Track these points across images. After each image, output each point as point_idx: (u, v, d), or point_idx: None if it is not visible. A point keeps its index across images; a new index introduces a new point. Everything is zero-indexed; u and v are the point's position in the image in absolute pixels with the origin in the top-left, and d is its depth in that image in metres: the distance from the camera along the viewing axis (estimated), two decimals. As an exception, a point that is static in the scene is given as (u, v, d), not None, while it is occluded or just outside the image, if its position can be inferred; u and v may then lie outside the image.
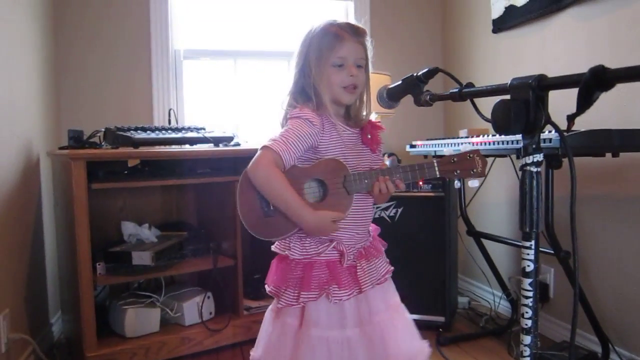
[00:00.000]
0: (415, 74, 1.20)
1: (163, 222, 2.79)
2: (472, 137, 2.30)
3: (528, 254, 0.85)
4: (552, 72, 2.34)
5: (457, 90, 1.01)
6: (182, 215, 2.89)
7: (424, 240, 2.65)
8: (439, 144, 2.49)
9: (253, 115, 3.22)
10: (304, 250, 1.41)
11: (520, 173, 0.85)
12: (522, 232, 0.85)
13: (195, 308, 2.47)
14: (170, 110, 2.85)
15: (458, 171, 1.32)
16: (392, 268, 1.50)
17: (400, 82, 1.26)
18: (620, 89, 1.55)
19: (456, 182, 1.35)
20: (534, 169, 0.83)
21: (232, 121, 3.17)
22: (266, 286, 1.45)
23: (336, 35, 1.39)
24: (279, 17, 3.25)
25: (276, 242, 1.49)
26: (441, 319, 2.65)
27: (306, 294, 1.36)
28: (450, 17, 3.40)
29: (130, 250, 2.27)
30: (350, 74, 1.38)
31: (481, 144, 2.21)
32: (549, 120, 0.81)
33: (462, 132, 2.63)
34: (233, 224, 2.50)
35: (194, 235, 2.67)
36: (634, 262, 2.13)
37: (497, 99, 0.95)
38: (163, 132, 2.44)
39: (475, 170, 1.31)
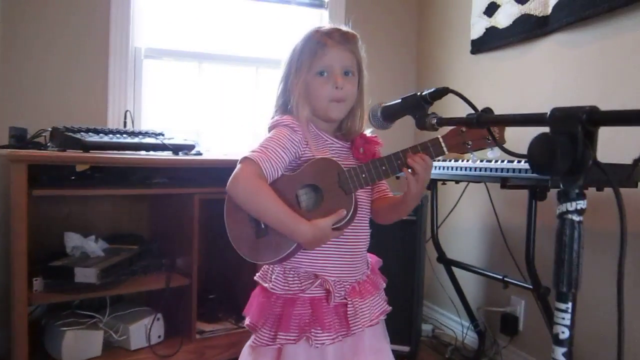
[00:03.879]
0: (419, 94, 1.05)
1: (112, 233, 2.55)
2: (446, 159, 2.18)
3: (563, 318, 0.71)
4: (534, 99, 2.22)
5: (474, 115, 0.87)
6: (134, 226, 2.66)
7: (391, 266, 2.51)
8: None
9: (217, 122, 3.03)
10: (287, 285, 1.27)
11: (558, 221, 0.71)
12: (556, 292, 0.72)
13: (142, 331, 2.25)
14: (126, 112, 2.62)
15: (470, 142, 1.13)
16: (389, 308, 1.36)
17: (399, 100, 1.11)
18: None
19: (472, 156, 1.14)
20: (576, 218, 0.69)
21: (193, 127, 2.96)
22: (246, 319, 1.33)
23: (318, 42, 1.27)
24: (249, 22, 3.08)
25: (259, 272, 1.36)
26: (406, 348, 2.52)
27: (284, 335, 1.22)
28: (427, 32, 3.31)
29: (72, 266, 2.04)
30: (336, 85, 1.25)
31: (456, 169, 2.11)
32: (596, 161, 0.67)
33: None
34: (189, 239, 2.31)
35: (146, 250, 2.46)
36: (609, 298, 2.05)
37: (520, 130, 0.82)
38: (117, 135, 2.23)
39: (490, 138, 1.11)
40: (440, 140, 1.16)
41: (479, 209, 2.72)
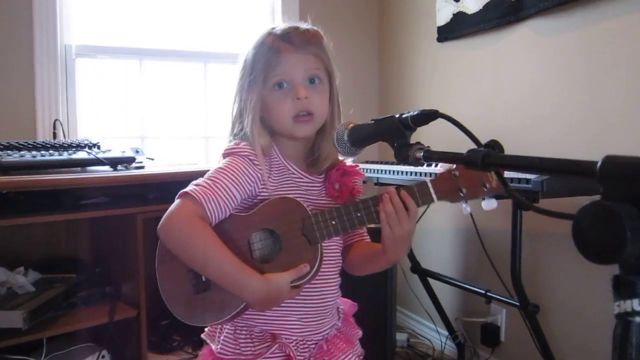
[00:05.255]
0: (398, 117, 0.82)
1: (47, 259, 2.25)
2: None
3: None
4: (509, 92, 2.02)
5: (478, 153, 0.64)
6: (72, 249, 2.35)
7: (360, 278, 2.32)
8: (382, 170, 2.14)
9: (163, 126, 2.73)
10: (238, 349, 1.04)
11: (618, 324, 0.49)
12: None
13: (86, 372, 1.98)
14: (55, 121, 2.30)
15: (464, 190, 0.93)
16: None
17: (371, 122, 0.88)
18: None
19: (464, 206, 0.94)
20: (645, 322, 0.48)
21: (137, 134, 2.67)
22: None
23: (271, 48, 1.03)
24: (194, 12, 2.77)
25: (207, 328, 1.13)
26: (381, 364, 2.33)
27: None
28: (389, 18, 3.06)
29: (-6, 309, 1.75)
30: (297, 96, 1.01)
31: (428, 175, 1.90)
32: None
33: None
34: (134, 263, 2.03)
35: (87, 278, 2.17)
36: (597, 307, 1.88)
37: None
38: (43, 152, 1.93)
39: (489, 185, 0.92)
40: (429, 185, 0.95)
41: (451, 210, 2.52)
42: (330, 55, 1.10)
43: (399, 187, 0.97)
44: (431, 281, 2.38)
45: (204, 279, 1.00)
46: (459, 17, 2.41)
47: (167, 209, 2.05)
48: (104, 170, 1.99)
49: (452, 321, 2.42)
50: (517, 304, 1.76)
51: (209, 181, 1.00)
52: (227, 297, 0.97)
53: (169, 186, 2.15)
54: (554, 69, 2.00)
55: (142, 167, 2.10)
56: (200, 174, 2.12)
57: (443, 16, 2.52)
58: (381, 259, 1.02)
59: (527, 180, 1.48)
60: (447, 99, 2.50)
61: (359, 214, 0.97)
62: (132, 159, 2.08)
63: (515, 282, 1.71)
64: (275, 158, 1.08)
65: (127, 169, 2.05)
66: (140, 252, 2.03)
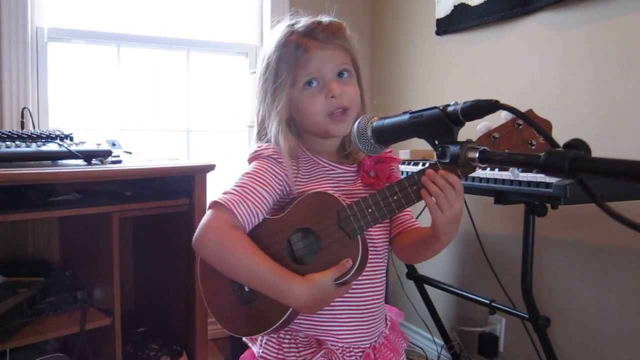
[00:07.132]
0: (442, 108, 0.67)
1: (12, 260, 2.08)
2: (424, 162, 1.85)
3: None
4: (515, 86, 1.90)
5: (565, 156, 0.50)
6: (40, 250, 2.18)
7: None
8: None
9: (142, 118, 2.56)
10: (281, 354, 1.02)
11: None
12: None
13: (53, 385, 1.82)
14: (24, 109, 2.11)
15: (507, 152, 0.83)
16: None
17: (404, 116, 0.73)
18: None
19: (513, 170, 0.90)
20: None
21: (113, 125, 2.49)
22: None
23: (298, 47, 1.00)
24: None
25: None
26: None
27: None
28: (384, 9, 2.92)
29: (-52, 319, 1.57)
30: (331, 94, 0.98)
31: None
32: None
33: (403, 154, 2.17)
34: (109, 266, 1.88)
35: (56, 281, 2.00)
36: (607, 316, 1.78)
37: None
38: (9, 142, 1.75)
39: (534, 142, 0.82)
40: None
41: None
42: (354, 46, 1.07)
43: (433, 164, 0.85)
44: (427, 288, 2.25)
45: (247, 289, 0.97)
46: (460, 9, 2.29)
47: (145, 207, 1.93)
48: (77, 165, 1.82)
49: (448, 330, 2.30)
50: (526, 316, 1.64)
51: (237, 188, 0.97)
52: (273, 304, 0.92)
53: (147, 183, 2.01)
54: (562, 66, 1.89)
55: (118, 162, 1.94)
56: (182, 169, 2.01)
57: (443, 8, 2.39)
58: (437, 243, 0.96)
59: (547, 184, 1.35)
60: (445, 96, 2.37)
61: (395, 197, 0.89)
62: (108, 153, 1.92)
63: (525, 294, 1.60)
64: (303, 155, 1.05)
65: (102, 163, 1.88)
66: (115, 254, 1.87)
